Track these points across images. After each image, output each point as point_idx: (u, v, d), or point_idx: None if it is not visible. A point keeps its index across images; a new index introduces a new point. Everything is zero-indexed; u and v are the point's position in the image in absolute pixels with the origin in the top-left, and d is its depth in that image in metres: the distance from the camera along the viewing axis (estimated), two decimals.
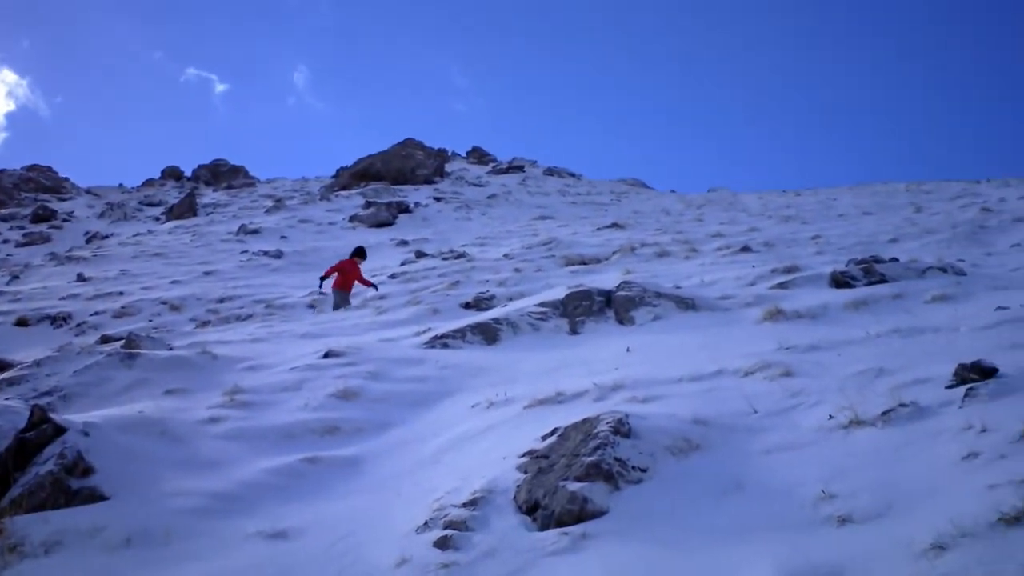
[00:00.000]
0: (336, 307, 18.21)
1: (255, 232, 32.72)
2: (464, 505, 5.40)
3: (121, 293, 22.42)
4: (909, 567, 3.58)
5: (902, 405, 5.36)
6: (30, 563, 5.38)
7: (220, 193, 54.65)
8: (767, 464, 5.12)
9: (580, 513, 4.87)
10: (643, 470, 5.25)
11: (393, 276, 20.99)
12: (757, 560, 3.98)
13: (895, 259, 12.55)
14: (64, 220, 50.17)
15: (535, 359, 9.88)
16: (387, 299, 17.39)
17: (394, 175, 48.13)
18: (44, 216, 49.94)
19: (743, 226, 25.46)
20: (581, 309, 11.81)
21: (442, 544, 4.94)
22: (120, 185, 68.68)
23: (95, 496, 6.29)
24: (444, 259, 23.03)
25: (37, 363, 10.24)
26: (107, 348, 11.31)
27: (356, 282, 18.87)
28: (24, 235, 45.14)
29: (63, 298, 22.56)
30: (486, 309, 14.18)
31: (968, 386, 5.42)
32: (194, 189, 56.67)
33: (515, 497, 5.41)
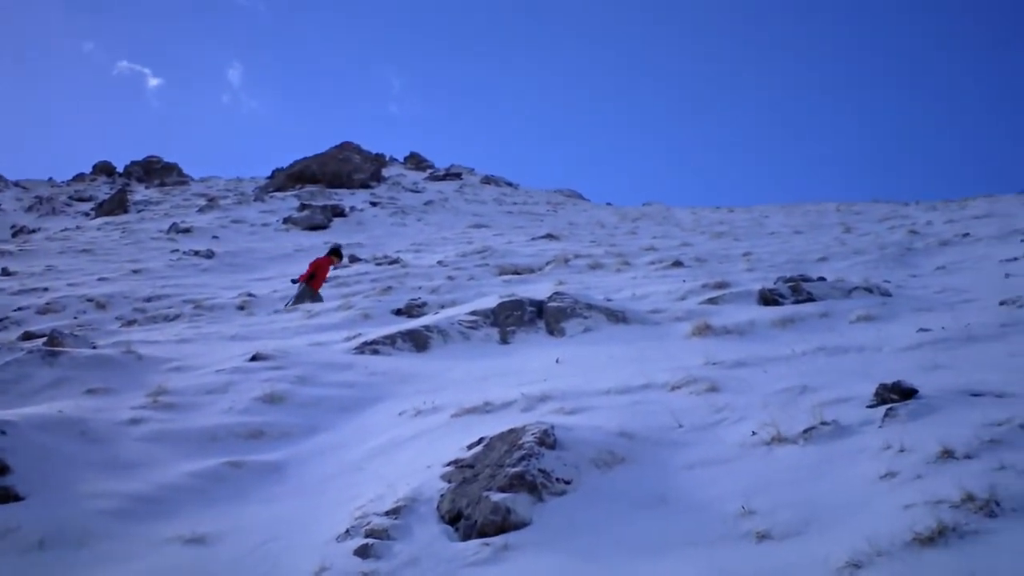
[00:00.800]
0: (298, 301, 18.15)
1: (187, 231, 32.29)
2: (387, 513, 5.36)
3: (46, 289, 21.96)
4: None
5: (824, 423, 5.44)
6: None
7: (152, 190, 53.85)
8: (690, 479, 5.15)
9: (503, 524, 4.85)
10: (567, 482, 5.26)
11: (326, 280, 20.84)
12: (677, 575, 4.01)
13: (822, 278, 12.74)
14: None
15: (464, 368, 9.86)
16: (318, 303, 17.28)
17: (330, 178, 47.81)
18: None
19: (676, 241, 25.69)
20: (512, 319, 11.81)
21: (363, 553, 4.90)
22: (49, 179, 67.39)
23: (10, 496, 6.15)
24: (378, 264, 22.94)
25: None
26: (28, 345, 11.06)
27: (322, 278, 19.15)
28: None
29: None
30: (418, 316, 14.13)
31: (888, 406, 5.51)
32: (126, 185, 55.82)
33: (438, 506, 5.38)
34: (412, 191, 49.25)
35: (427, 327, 11.61)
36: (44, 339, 11.41)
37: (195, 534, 5.63)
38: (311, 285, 18.80)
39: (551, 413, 6.80)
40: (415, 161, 68.71)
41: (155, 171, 63.45)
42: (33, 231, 40.79)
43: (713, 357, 8.37)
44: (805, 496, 4.52)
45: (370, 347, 11.12)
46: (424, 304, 15.27)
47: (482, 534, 4.85)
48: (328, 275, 19.68)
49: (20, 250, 30.76)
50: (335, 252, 20.49)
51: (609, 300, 12.59)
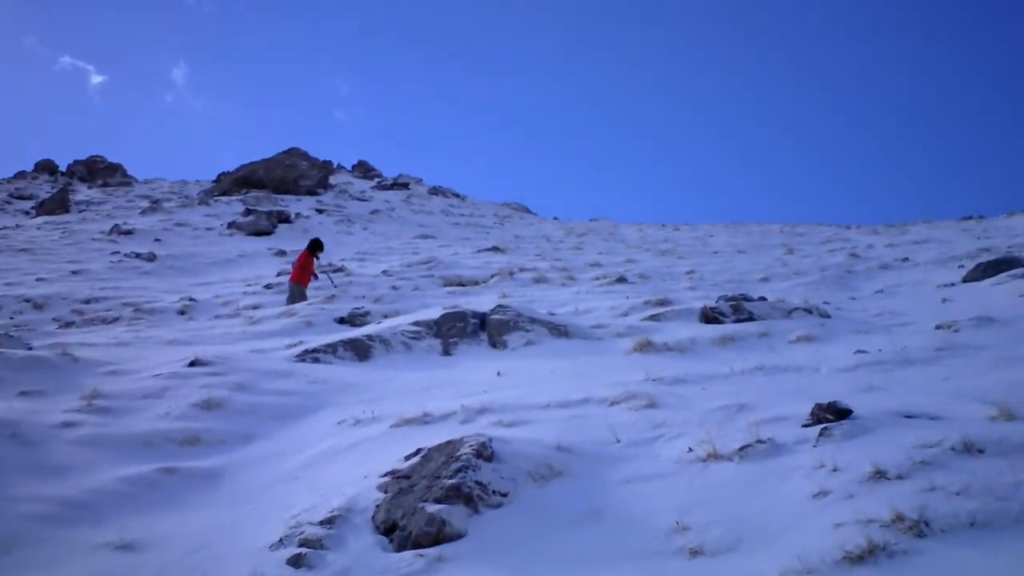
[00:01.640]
0: (291, 301, 18.27)
1: (128, 233, 31.84)
2: (321, 523, 5.32)
3: None
4: None
5: (759, 441, 5.48)
6: None
7: (95, 191, 53.10)
8: (626, 493, 5.17)
9: (437, 535, 4.83)
10: (503, 494, 5.25)
11: (268, 286, 20.66)
12: None
13: (763, 298, 12.86)
14: None
15: (406, 378, 9.83)
16: (260, 309, 17.13)
17: (277, 184, 47.47)
18: None
19: (621, 257, 25.81)
20: (455, 330, 11.80)
21: (295, 562, 4.85)
22: None
23: None
24: (322, 272, 22.79)
25: None
26: None
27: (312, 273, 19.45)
28: None
29: None
30: (360, 325, 14.08)
31: (823, 426, 5.57)
32: (68, 185, 54.93)
33: (373, 517, 5.34)
34: (359, 199, 49.02)
35: (369, 336, 11.56)
36: None
37: (124, 540, 5.54)
38: (299, 283, 19.04)
39: (490, 426, 6.81)
40: (363, 169, 68.46)
41: (98, 171, 62.54)
42: None
43: (653, 373, 8.42)
44: (738, 513, 4.55)
45: (311, 355, 11.04)
46: (367, 313, 15.20)
47: (417, 545, 4.82)
48: (313, 268, 19.74)
49: None
50: (314, 245, 20.26)
51: (552, 314, 12.62)
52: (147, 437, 7.73)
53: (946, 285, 15.82)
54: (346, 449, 7.11)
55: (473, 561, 4.56)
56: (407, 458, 6.11)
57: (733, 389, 7.58)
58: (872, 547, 3.75)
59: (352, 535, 5.17)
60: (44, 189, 55.99)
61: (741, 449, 5.42)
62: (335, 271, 22.62)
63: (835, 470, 4.76)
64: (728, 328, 11.10)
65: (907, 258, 20.91)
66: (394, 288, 19.42)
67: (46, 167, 67.23)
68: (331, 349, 11.20)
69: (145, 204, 42.77)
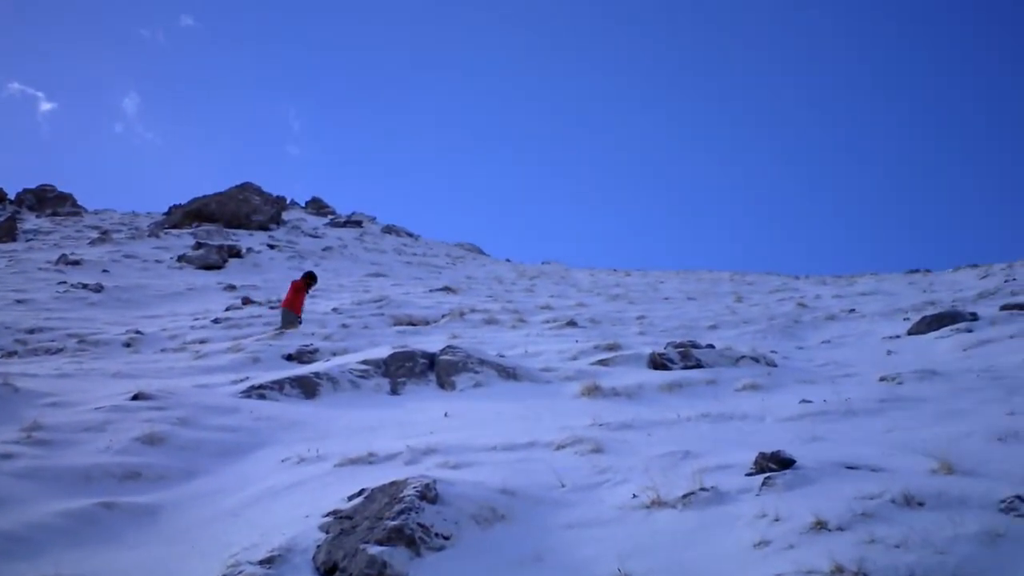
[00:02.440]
0: (285, 326, 18.88)
1: (76, 263, 31.47)
2: (260, 562, 5.22)
3: None
4: None
5: (703, 489, 5.49)
6: None
7: (44, 220, 52.50)
8: (569, 538, 5.14)
9: None
10: (446, 537, 5.20)
11: (216, 321, 20.49)
12: None
13: (711, 345, 12.96)
14: None
15: (352, 417, 9.76)
16: (208, 343, 16.97)
17: (229, 218, 47.22)
18: None
19: (572, 301, 25.90)
20: (404, 370, 11.76)
21: None
22: None
23: None
24: (271, 308, 22.65)
25: None
26: None
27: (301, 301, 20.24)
28: None
29: None
30: (309, 362, 13.99)
31: (766, 475, 5.60)
32: (16, 213, 54.24)
33: (314, 557, 5.26)
34: (312, 236, 48.86)
35: (317, 374, 11.48)
36: None
37: None
38: (292, 309, 19.70)
39: (435, 467, 6.76)
40: (316, 206, 68.31)
41: (48, 200, 61.82)
42: None
43: (600, 418, 8.44)
44: (680, 561, 4.54)
45: (257, 391, 10.93)
46: (316, 350, 15.12)
47: None
48: (304, 297, 20.58)
49: None
50: (309, 276, 21.35)
51: (502, 356, 12.62)
52: (87, 471, 7.59)
53: (891, 337, 16.03)
54: (289, 487, 7.02)
55: None
56: (350, 498, 6.04)
57: (679, 436, 7.61)
58: None
59: (291, 575, 5.10)
60: None
61: (685, 496, 5.43)
62: None
63: (777, 520, 4.77)
64: (676, 375, 11.17)
65: (854, 309, 21.17)
66: (344, 326, 19.33)
67: None
68: (278, 386, 11.10)
69: (94, 235, 42.35)
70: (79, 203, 63.25)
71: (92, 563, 5.73)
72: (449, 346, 12.47)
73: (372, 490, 5.98)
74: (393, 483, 5.88)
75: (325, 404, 10.72)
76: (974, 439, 6.76)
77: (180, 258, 34.72)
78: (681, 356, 12.05)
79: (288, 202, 63.55)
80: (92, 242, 38.88)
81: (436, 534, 5.19)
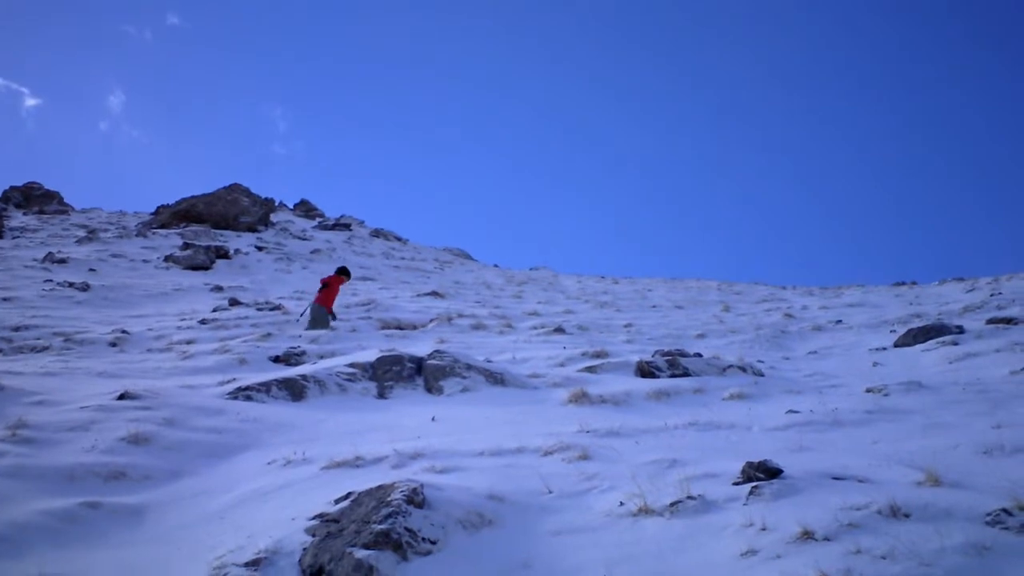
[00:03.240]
0: (316, 324, 19.35)
1: (63, 262, 31.32)
2: (246, 565, 5.20)
3: None
4: None
5: (690, 497, 5.50)
6: None
7: (31, 217, 52.22)
8: (556, 545, 5.14)
9: None
10: (433, 542, 5.20)
11: (203, 322, 20.39)
12: None
13: (699, 354, 12.98)
14: None
15: (339, 420, 9.74)
16: (194, 344, 16.91)
17: (216, 219, 47.07)
18: None
19: (560, 307, 25.89)
20: (391, 374, 11.74)
21: None
22: None
23: None
24: (259, 309, 22.57)
25: None
26: None
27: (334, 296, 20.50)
28: None
29: None
30: (296, 364, 13.96)
31: (754, 484, 5.61)
32: (3, 210, 54.01)
33: (300, 560, 5.25)
34: (300, 238, 48.77)
35: (304, 376, 11.45)
36: None
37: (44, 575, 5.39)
38: (324, 304, 19.96)
39: (423, 471, 6.74)
40: (305, 208, 68.21)
41: (35, 198, 61.54)
42: None
43: (587, 425, 8.44)
44: (667, 569, 4.55)
45: (244, 393, 10.88)
46: (303, 353, 15.08)
47: None
48: (336, 294, 20.83)
49: None
50: (343, 272, 21.70)
51: (489, 362, 12.61)
52: (71, 470, 7.55)
53: (878, 349, 16.08)
54: (275, 490, 7.00)
55: None
56: (337, 501, 6.03)
57: (666, 444, 7.62)
58: None
59: None
60: None
61: (672, 505, 5.43)
62: (272, 309, 22.45)
63: (764, 529, 4.79)
64: (663, 383, 11.18)
65: (840, 320, 21.22)
66: (331, 329, 19.29)
67: None
68: (264, 388, 11.06)
69: (81, 233, 42.16)
70: (66, 201, 63.03)
71: (77, 564, 5.70)
72: (437, 351, 12.45)
73: (359, 493, 5.97)
74: (380, 487, 5.87)
75: (312, 407, 10.68)
76: (960, 452, 6.79)
77: (167, 258, 34.61)
78: (668, 364, 12.07)
79: (276, 204, 63.42)
80: (79, 241, 38.72)
81: (423, 539, 5.19)
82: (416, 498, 5.53)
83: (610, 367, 12.47)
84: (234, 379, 12.09)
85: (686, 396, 10.56)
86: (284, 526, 5.82)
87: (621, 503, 5.66)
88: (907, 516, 4.73)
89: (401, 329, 20.06)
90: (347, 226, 58.39)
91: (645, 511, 5.42)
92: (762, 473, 5.79)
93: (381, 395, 11.36)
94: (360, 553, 4.92)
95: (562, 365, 13.15)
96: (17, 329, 18.74)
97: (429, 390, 11.45)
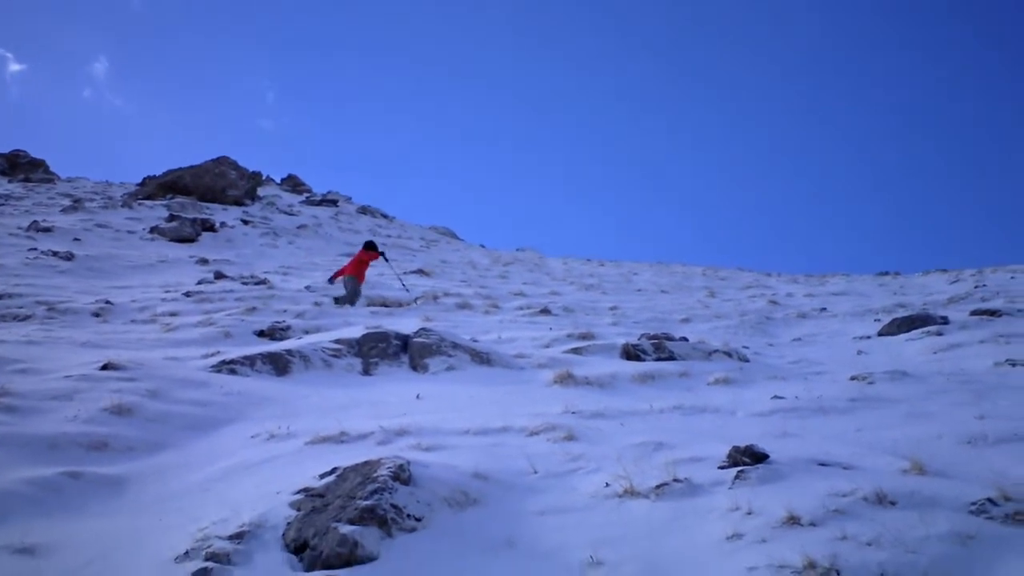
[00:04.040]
0: (346, 299, 19.55)
1: (47, 230, 31.10)
2: (230, 538, 5.18)
3: None
4: None
5: (676, 480, 5.50)
6: None
7: (16, 185, 51.80)
8: (541, 525, 5.14)
9: (349, 557, 4.75)
10: (418, 519, 5.19)
11: (188, 294, 20.29)
12: None
13: (685, 338, 12.98)
14: None
15: (324, 395, 9.72)
16: (178, 316, 16.83)
17: (203, 191, 46.79)
18: None
19: (545, 289, 25.88)
20: (377, 351, 11.71)
21: None
22: None
23: None
24: (244, 283, 22.47)
25: None
26: None
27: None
28: None
29: None
30: (280, 339, 13.92)
31: (739, 468, 5.62)
32: None
33: (284, 534, 5.23)
34: (287, 213, 48.56)
35: (289, 351, 11.41)
36: None
37: (25, 544, 5.35)
38: (355, 275, 20.12)
39: (408, 449, 6.73)
40: (292, 183, 67.93)
41: (20, 165, 61.06)
42: None
43: (573, 406, 8.44)
44: (652, 551, 4.55)
45: (228, 366, 10.84)
46: (288, 328, 15.04)
47: (327, 566, 4.74)
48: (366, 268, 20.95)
49: None
50: (372, 247, 21.60)
51: (475, 341, 12.59)
52: (53, 439, 7.52)
53: (862, 337, 16.11)
54: (259, 464, 6.98)
55: None
56: (322, 476, 6.01)
57: (651, 426, 7.63)
58: None
59: (261, 552, 5.05)
60: None
61: (658, 487, 5.44)
62: (257, 283, 22.35)
63: (750, 513, 4.79)
64: (649, 366, 11.19)
65: (825, 308, 21.26)
66: (316, 304, 19.19)
67: None
68: (249, 361, 11.02)
69: (67, 202, 41.87)
70: (52, 170, 62.62)
71: (59, 532, 5.68)
72: (423, 328, 12.43)
73: (344, 469, 5.96)
74: (366, 463, 5.86)
75: (296, 382, 10.66)
76: (944, 441, 6.81)
77: (153, 230, 34.42)
78: (654, 348, 12.08)
79: (264, 178, 63.12)
80: (64, 210, 38.46)
81: (408, 515, 5.18)
82: (402, 475, 5.52)
83: (596, 349, 12.47)
84: (218, 352, 12.06)
85: (671, 380, 10.56)
86: (268, 500, 5.80)
87: (607, 484, 5.67)
88: (893, 504, 4.74)
89: (387, 306, 20.00)
90: (334, 202, 58.20)
91: (631, 493, 5.42)
92: (748, 457, 5.80)
93: (366, 371, 11.33)
94: (345, 528, 4.91)
95: (548, 346, 13.15)
96: (0, 297, 18.63)
97: (414, 368, 11.42)
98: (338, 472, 5.95)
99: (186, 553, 5.07)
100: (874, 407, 8.61)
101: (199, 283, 22.52)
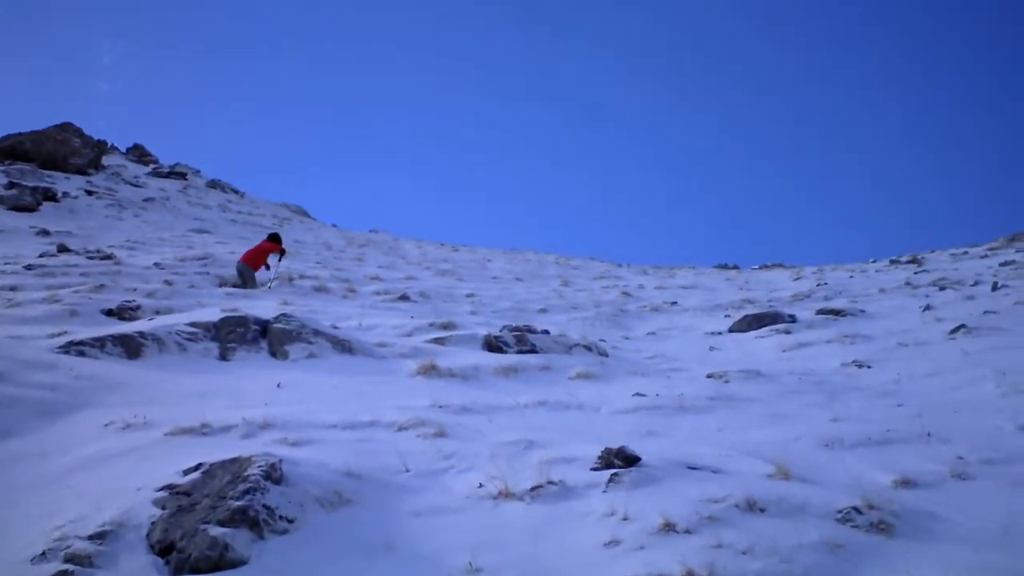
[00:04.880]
0: (244, 283, 19.31)
1: None
2: (90, 537, 4.93)
3: None
4: None
5: (551, 482, 5.52)
6: None
7: None
8: (418, 527, 5.09)
9: (219, 561, 4.60)
10: (291, 520, 5.07)
11: (29, 267, 19.43)
12: None
13: (546, 331, 13.10)
14: None
15: (180, 381, 9.40)
16: (20, 291, 16.08)
17: (44, 158, 44.86)
18: None
19: (401, 273, 25.71)
20: (235, 336, 11.40)
21: None
22: None
23: None
24: (89, 258, 21.62)
25: None
26: None
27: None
28: None
29: None
30: (131, 320, 13.45)
31: (613, 471, 5.68)
32: None
33: (149, 535, 5.01)
34: (133, 185, 46.98)
35: (142, 333, 10.97)
36: None
37: None
38: (250, 264, 19.76)
39: (274, 443, 6.54)
40: (139, 153, 65.71)
41: None
42: None
43: (439, 399, 8.40)
44: (532, 557, 4.56)
45: (76, 348, 10.36)
46: (139, 307, 14.54)
47: (195, 571, 4.58)
48: (268, 260, 20.33)
49: None
50: (276, 239, 21.05)
51: (336, 328, 12.39)
52: None
53: (714, 333, 16.57)
54: (117, 456, 6.68)
55: None
56: (186, 472, 5.80)
57: (520, 423, 7.65)
58: None
59: (125, 553, 4.84)
60: None
61: (533, 489, 5.45)
62: (103, 258, 21.55)
63: (626, 519, 4.85)
64: (511, 358, 11.23)
65: (676, 302, 21.76)
66: (167, 283, 18.58)
67: None
68: (99, 343, 10.56)
69: None
70: None
71: None
72: (283, 314, 12.17)
73: (211, 465, 5.78)
74: (236, 460, 5.69)
75: (150, 366, 10.27)
76: (803, 444, 7.06)
77: None
78: (516, 340, 12.13)
79: (108, 147, 60.93)
80: None
81: (281, 517, 5.06)
82: (274, 474, 5.38)
83: (458, 340, 12.45)
84: (65, 331, 11.60)
85: (534, 373, 10.64)
86: (130, 496, 5.55)
87: (480, 485, 5.65)
88: (763, 511, 4.88)
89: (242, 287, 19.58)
90: (183, 175, 56.59)
91: (506, 495, 5.42)
92: (620, 460, 5.87)
93: (223, 357, 11.00)
94: (215, 530, 4.76)
95: (409, 335, 13.06)
96: None
97: (274, 354, 11.17)
98: (204, 468, 5.76)
99: (43, 554, 4.82)
100: (732, 406, 8.88)
101: (41, 256, 21.57)
